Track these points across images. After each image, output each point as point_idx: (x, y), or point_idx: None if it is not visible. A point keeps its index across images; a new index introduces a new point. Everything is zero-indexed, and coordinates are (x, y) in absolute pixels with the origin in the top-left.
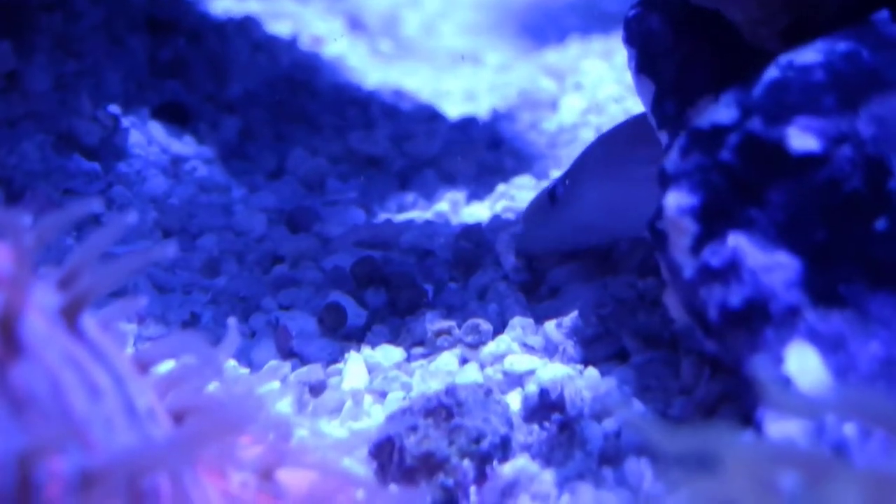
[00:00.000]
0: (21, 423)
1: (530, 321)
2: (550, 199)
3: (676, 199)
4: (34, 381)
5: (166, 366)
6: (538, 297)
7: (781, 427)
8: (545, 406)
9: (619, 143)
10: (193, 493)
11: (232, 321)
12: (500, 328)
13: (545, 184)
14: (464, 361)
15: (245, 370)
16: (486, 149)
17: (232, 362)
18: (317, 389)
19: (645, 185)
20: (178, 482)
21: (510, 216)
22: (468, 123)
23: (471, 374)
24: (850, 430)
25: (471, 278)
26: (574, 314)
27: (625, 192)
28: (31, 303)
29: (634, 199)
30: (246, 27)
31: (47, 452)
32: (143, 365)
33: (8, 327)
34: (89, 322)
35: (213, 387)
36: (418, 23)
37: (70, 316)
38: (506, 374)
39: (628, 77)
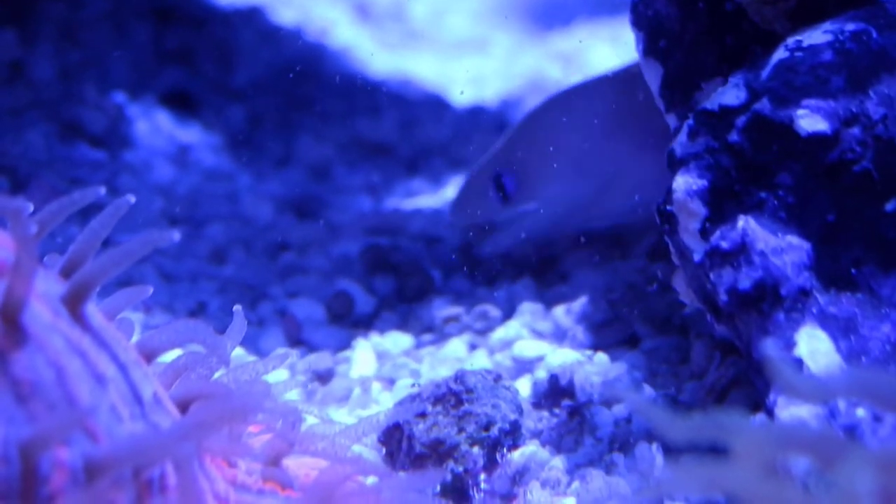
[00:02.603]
0: (26, 412)
1: (539, 306)
2: (500, 195)
3: (685, 182)
4: (39, 370)
5: (172, 354)
6: (547, 282)
7: (793, 411)
8: (555, 392)
9: (574, 125)
10: (200, 481)
11: (238, 308)
12: (508, 314)
13: None
14: (473, 348)
15: (253, 358)
16: (493, 135)
17: (239, 350)
18: (325, 377)
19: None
20: (184, 471)
21: None
22: (476, 110)
23: (480, 361)
24: (862, 413)
25: (479, 264)
26: (584, 299)
27: (594, 182)
28: (35, 291)
29: (605, 186)
30: (252, 15)
31: (53, 442)
32: (149, 353)
33: (12, 316)
34: (93, 310)
35: (219, 374)
36: (425, 10)
37: (74, 304)
38: (515, 360)
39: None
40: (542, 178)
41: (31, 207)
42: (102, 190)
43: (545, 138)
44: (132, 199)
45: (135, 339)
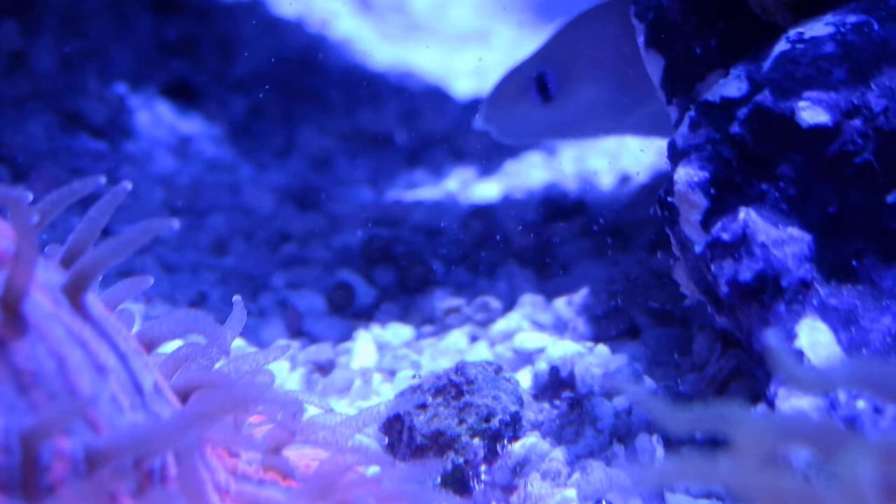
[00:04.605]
0: (27, 401)
1: (540, 298)
2: (542, 95)
3: (686, 174)
4: (40, 360)
5: (173, 345)
6: (548, 274)
7: (794, 402)
8: (556, 384)
9: (622, 30)
10: (201, 472)
11: (237, 298)
12: (509, 305)
13: (555, 161)
14: (473, 339)
15: (253, 349)
16: None
17: (240, 342)
18: (326, 368)
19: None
20: (185, 461)
21: (519, 194)
22: (477, 102)
23: (480, 352)
24: (862, 405)
25: (480, 256)
26: (585, 291)
27: (634, 90)
28: (36, 281)
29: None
30: (253, 6)
31: (54, 432)
32: (149, 343)
33: (13, 305)
34: (94, 300)
35: (219, 364)
36: (427, 2)
37: (74, 294)
38: (516, 351)
39: None
40: (585, 80)
41: (31, 197)
42: (103, 180)
43: (592, 41)
44: (129, 185)
45: (135, 329)
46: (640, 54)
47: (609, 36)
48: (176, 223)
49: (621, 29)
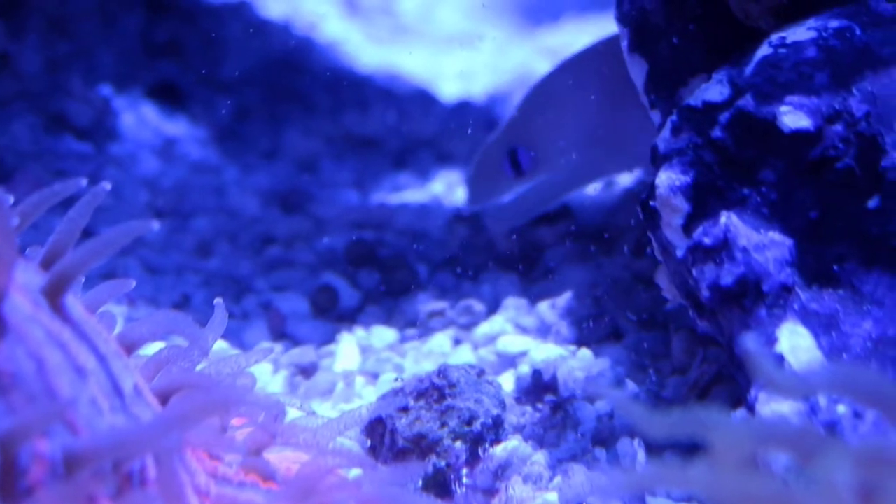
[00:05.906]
0: (5, 404)
1: (524, 302)
2: (515, 171)
3: (668, 178)
4: (19, 362)
5: (154, 347)
6: (532, 277)
7: (774, 407)
8: (538, 387)
9: (585, 91)
10: (181, 475)
11: (219, 301)
12: (493, 309)
13: None
14: (457, 342)
15: (236, 352)
16: (481, 130)
17: (223, 344)
18: (308, 371)
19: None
20: (164, 464)
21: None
22: (463, 104)
23: (464, 355)
24: (843, 409)
25: (465, 259)
26: (568, 294)
27: (604, 148)
28: (15, 282)
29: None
30: (240, 8)
31: (32, 434)
32: (130, 345)
33: None
34: (74, 302)
35: (200, 367)
36: (414, 4)
37: (54, 295)
38: (499, 354)
39: None
40: (555, 149)
41: (12, 199)
42: (84, 181)
43: (557, 108)
44: (108, 185)
45: (117, 331)
46: (609, 109)
47: (577, 96)
48: (156, 224)
49: (587, 87)
